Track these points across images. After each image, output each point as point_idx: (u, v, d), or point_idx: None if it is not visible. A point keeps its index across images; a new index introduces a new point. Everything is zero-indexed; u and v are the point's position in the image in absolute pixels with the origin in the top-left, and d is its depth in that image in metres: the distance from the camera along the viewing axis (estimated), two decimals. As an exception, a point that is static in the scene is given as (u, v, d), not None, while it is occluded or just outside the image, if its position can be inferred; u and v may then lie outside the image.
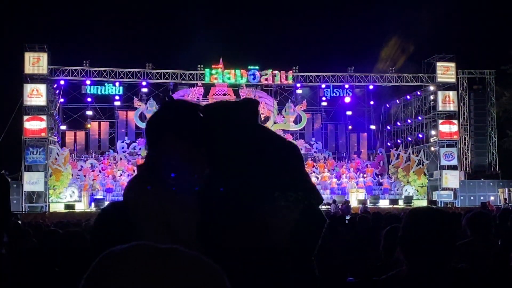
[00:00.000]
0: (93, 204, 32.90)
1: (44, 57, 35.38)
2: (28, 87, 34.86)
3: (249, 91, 39.97)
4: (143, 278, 0.88)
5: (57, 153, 35.13)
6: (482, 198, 35.75)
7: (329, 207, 30.33)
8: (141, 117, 38.22)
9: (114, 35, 44.38)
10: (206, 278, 0.92)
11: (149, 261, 0.91)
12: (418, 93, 40.76)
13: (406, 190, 37.24)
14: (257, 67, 38.87)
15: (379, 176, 39.07)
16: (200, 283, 0.91)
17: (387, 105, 44.60)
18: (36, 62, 35.24)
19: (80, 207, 32.97)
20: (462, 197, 37.05)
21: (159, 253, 0.94)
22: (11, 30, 43.53)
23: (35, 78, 35.32)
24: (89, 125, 40.73)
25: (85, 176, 36.15)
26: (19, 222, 15.72)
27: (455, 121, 38.61)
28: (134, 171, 32.94)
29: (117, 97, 39.41)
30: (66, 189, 34.64)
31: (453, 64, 38.85)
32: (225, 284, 0.94)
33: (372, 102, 43.19)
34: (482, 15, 43.84)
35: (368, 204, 32.00)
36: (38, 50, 35.49)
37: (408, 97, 42.18)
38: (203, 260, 0.95)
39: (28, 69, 35.12)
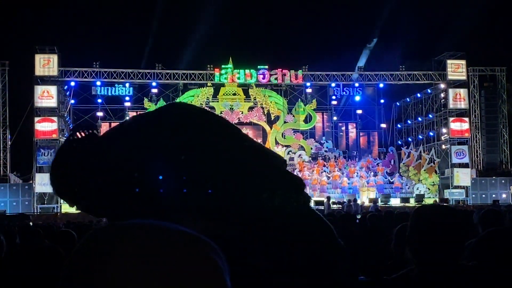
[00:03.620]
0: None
1: (54, 58, 35.54)
2: (39, 89, 35.03)
3: (258, 91, 40.02)
4: (142, 256, 0.88)
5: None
6: (494, 196, 35.59)
7: (340, 206, 30.36)
8: (151, 117, 38.26)
9: (124, 36, 44.54)
10: (199, 252, 0.92)
11: (148, 239, 0.91)
12: (429, 91, 40.63)
13: (417, 189, 37.14)
14: (266, 67, 38.86)
15: (390, 175, 38.96)
16: (200, 263, 0.90)
17: (398, 103, 44.50)
18: (46, 63, 35.40)
19: (91, 208, 33.04)
20: (473, 195, 36.85)
21: (158, 231, 0.94)
22: (22, 32, 43.77)
23: (46, 80, 35.50)
24: (99, 126, 40.85)
25: (96, 177, 36.21)
26: (30, 223, 15.81)
27: (466, 119, 38.43)
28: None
29: (127, 98, 39.52)
30: (78, 191, 34.69)
31: (463, 62, 38.67)
32: (221, 259, 0.94)
33: (382, 101, 43.10)
34: (493, 12, 43.60)
35: (379, 203, 31.92)
36: (49, 52, 35.65)
37: (419, 95, 42.06)
38: (203, 239, 0.95)
39: (39, 70, 35.28)
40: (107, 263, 0.88)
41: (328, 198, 31.49)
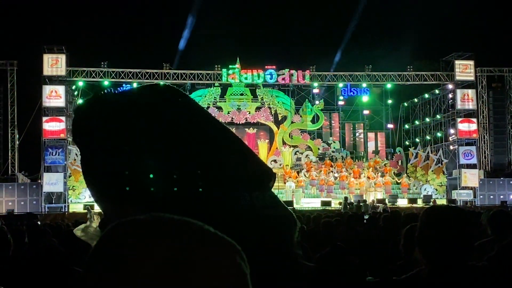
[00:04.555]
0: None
1: (62, 58, 35.62)
2: (47, 89, 35.12)
3: (266, 91, 40.01)
4: (161, 249, 0.86)
5: (76, 154, 35.30)
6: (501, 196, 35.46)
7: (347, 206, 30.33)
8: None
9: (132, 36, 44.64)
10: (224, 253, 0.91)
11: (169, 232, 0.90)
12: (437, 91, 40.51)
13: (425, 189, 37.05)
14: (274, 67, 38.85)
15: (398, 176, 38.86)
16: (217, 257, 0.90)
17: (405, 104, 44.41)
18: (54, 63, 35.49)
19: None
20: (481, 196, 36.69)
21: (178, 224, 0.93)
22: (30, 32, 43.91)
23: (54, 80, 35.60)
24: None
25: (104, 176, 36.28)
26: (38, 222, 15.84)
27: (474, 120, 38.29)
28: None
29: (135, 98, 39.52)
30: (85, 190, 34.76)
31: (471, 62, 38.53)
32: (244, 261, 0.93)
33: (390, 101, 43.01)
34: (501, 13, 43.46)
35: (387, 203, 31.85)
36: (57, 52, 35.74)
37: (427, 95, 41.95)
38: (228, 241, 0.94)
39: (47, 70, 35.37)
40: (130, 262, 0.87)
41: (346, 198, 31.47)
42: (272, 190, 1.67)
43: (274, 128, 40.56)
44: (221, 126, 1.67)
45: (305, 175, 36.92)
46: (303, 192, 35.21)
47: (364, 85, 40.02)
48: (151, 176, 1.51)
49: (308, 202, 33.89)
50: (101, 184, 1.59)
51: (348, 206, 29.09)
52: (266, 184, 1.63)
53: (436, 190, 37.37)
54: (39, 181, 34.54)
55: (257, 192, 1.60)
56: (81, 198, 34.54)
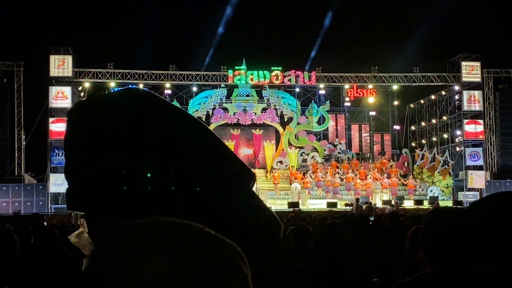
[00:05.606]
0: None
1: (69, 59, 35.73)
2: (54, 90, 35.24)
3: (272, 92, 40.01)
4: (163, 253, 0.87)
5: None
6: (508, 198, 35.28)
7: (351, 207, 30.34)
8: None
9: (138, 37, 44.72)
10: (225, 255, 0.91)
11: (170, 236, 0.90)
12: (443, 93, 40.44)
13: (431, 191, 36.96)
14: (280, 68, 38.86)
15: (404, 177, 38.78)
16: (220, 261, 0.90)
17: (412, 105, 44.33)
18: (61, 64, 35.60)
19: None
20: (488, 198, 36.51)
21: (180, 228, 0.93)
22: (37, 33, 44.02)
23: (60, 81, 35.71)
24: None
25: (110, 177, 36.35)
26: (45, 223, 15.90)
27: (481, 121, 38.22)
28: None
29: (141, 99, 39.57)
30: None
31: (478, 64, 38.46)
32: (244, 263, 0.93)
33: (396, 102, 42.94)
34: (508, 14, 43.31)
35: (393, 205, 31.80)
36: (63, 53, 35.85)
37: (433, 96, 41.88)
38: (228, 242, 0.94)
39: (53, 71, 35.49)
40: (132, 267, 0.87)
41: (357, 200, 31.41)
42: (268, 190, 1.66)
43: (280, 129, 40.55)
44: (198, 126, 1.65)
45: (311, 176, 36.89)
46: (309, 193, 35.17)
47: (370, 86, 39.97)
48: (124, 180, 1.50)
49: (314, 204, 33.86)
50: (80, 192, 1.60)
51: (358, 207, 29.09)
52: (245, 185, 1.62)
53: (442, 191, 37.27)
54: (46, 182, 34.63)
55: (234, 193, 1.58)
56: (87, 199, 34.57)
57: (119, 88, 1.77)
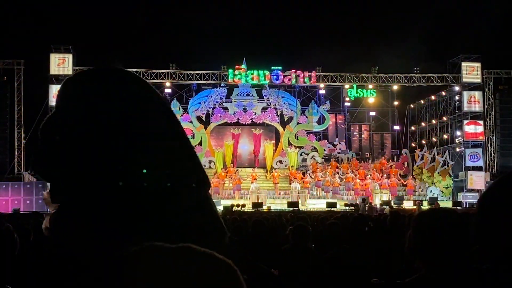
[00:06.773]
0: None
1: (69, 58, 35.75)
2: (54, 88, 35.22)
3: (272, 92, 40.01)
4: (158, 279, 0.87)
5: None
6: (508, 199, 35.28)
7: (352, 208, 30.29)
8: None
9: (138, 36, 44.67)
10: (222, 275, 0.92)
11: (163, 262, 0.91)
12: (443, 93, 40.45)
13: (430, 191, 36.95)
14: (280, 68, 38.85)
15: (404, 177, 38.77)
16: (216, 281, 0.91)
17: (412, 106, 44.33)
18: (61, 63, 35.62)
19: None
20: (487, 199, 36.51)
21: (173, 253, 0.94)
22: (37, 32, 43.99)
23: (61, 79, 35.65)
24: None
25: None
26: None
27: (481, 122, 38.23)
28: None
29: (141, 98, 39.54)
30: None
31: (478, 64, 38.47)
32: (240, 280, 0.94)
33: (396, 103, 42.94)
34: (508, 15, 43.31)
35: (392, 205, 31.80)
36: (64, 51, 35.86)
37: (433, 97, 41.89)
38: (217, 257, 0.95)
39: (54, 70, 35.51)
40: None
41: (363, 200, 31.39)
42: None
43: (280, 129, 40.54)
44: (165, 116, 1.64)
45: (310, 176, 36.89)
46: (308, 193, 35.17)
47: (370, 86, 39.97)
48: (89, 171, 1.50)
49: (313, 203, 33.85)
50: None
51: (354, 208, 29.07)
52: (207, 188, 1.62)
53: (442, 192, 37.27)
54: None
55: (197, 195, 1.58)
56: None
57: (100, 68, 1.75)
